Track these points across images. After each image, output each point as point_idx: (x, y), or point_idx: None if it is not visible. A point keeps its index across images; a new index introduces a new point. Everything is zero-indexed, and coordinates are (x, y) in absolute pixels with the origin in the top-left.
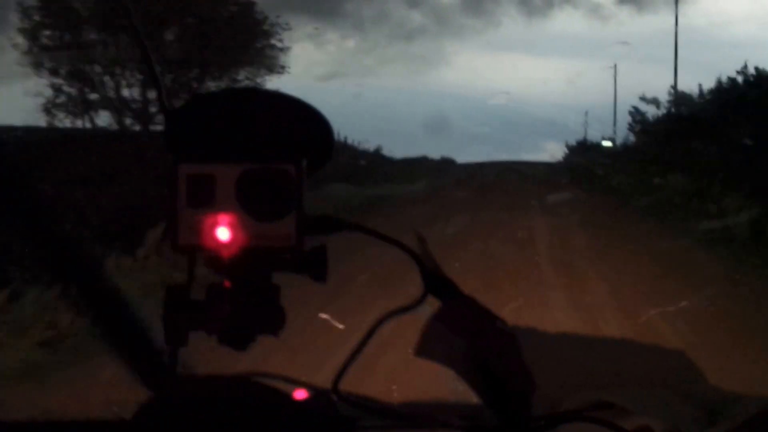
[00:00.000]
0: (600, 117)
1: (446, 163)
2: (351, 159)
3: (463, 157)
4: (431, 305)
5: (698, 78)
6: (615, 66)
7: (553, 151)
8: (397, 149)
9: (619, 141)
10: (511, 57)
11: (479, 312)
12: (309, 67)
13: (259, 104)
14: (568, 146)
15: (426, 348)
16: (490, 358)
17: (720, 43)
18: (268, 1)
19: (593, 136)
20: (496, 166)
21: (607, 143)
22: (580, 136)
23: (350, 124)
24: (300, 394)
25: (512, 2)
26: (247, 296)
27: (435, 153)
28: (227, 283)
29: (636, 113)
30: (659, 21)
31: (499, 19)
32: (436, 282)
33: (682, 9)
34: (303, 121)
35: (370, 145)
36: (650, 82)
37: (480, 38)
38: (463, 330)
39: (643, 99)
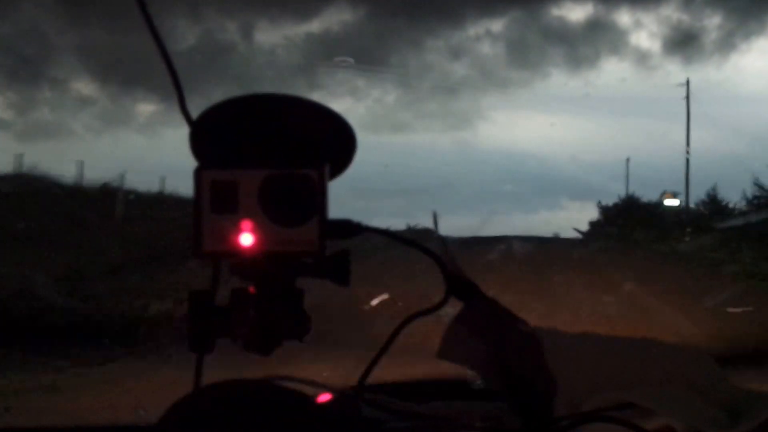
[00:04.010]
0: (637, 175)
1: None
2: None
3: (467, 220)
4: (454, 307)
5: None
6: (687, 82)
7: (574, 216)
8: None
9: (694, 197)
10: (548, 113)
11: (501, 314)
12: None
13: (282, 110)
14: (602, 207)
15: (449, 349)
16: (512, 360)
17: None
18: (313, 57)
19: (640, 192)
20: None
21: (671, 202)
22: (612, 194)
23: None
24: (324, 396)
25: (559, 54)
26: (272, 302)
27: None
28: (251, 289)
29: None
30: (703, 74)
31: (546, 70)
32: (459, 284)
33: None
34: (325, 127)
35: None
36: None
37: (525, 91)
38: (485, 332)
39: None
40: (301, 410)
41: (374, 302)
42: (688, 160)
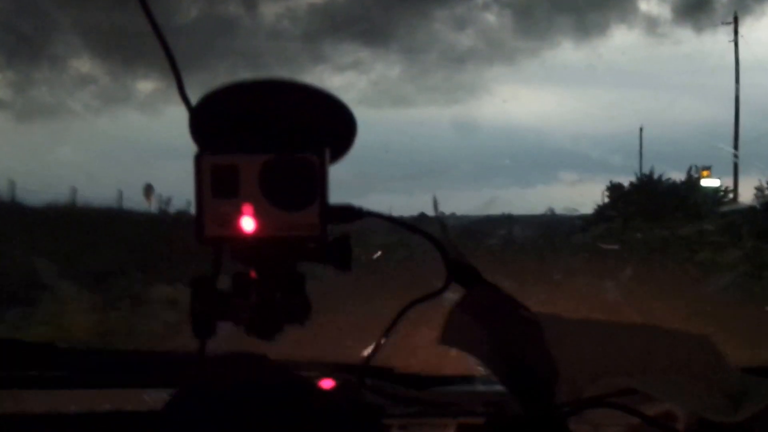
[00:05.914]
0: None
1: None
2: None
3: (465, 196)
4: (455, 293)
5: None
6: (735, 19)
7: (573, 191)
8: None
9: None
10: (551, 85)
11: (503, 299)
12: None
13: (282, 94)
14: (611, 188)
15: (450, 336)
16: (514, 346)
17: None
18: (316, 28)
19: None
20: None
21: (711, 182)
22: (613, 168)
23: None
24: (326, 382)
25: (568, 23)
26: (273, 286)
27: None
28: (253, 274)
29: None
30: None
31: (552, 39)
32: (460, 269)
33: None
34: (325, 111)
35: None
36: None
37: (529, 62)
38: (487, 317)
39: None
40: (303, 396)
41: None
42: (737, 123)
